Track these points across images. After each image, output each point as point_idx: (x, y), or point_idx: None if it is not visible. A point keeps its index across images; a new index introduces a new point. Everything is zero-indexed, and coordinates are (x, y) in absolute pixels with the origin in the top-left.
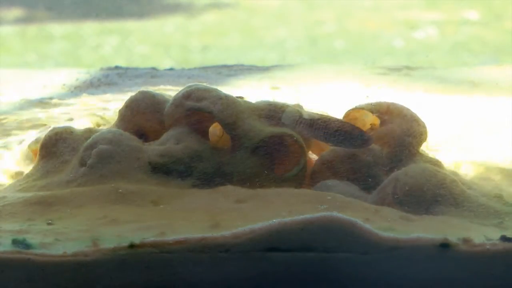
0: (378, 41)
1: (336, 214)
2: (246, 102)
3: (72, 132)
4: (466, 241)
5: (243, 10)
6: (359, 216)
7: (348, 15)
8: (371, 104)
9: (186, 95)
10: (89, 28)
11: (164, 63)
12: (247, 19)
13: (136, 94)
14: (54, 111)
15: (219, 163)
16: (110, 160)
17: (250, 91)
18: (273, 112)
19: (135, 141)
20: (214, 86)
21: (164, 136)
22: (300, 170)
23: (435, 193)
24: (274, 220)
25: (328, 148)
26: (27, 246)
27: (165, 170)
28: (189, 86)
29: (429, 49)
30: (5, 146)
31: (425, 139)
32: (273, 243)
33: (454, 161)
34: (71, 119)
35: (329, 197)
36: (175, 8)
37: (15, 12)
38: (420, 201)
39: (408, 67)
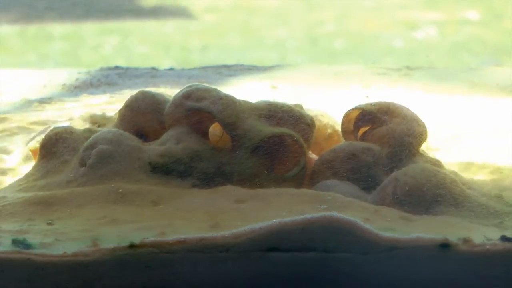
0: (378, 41)
1: (336, 214)
2: (246, 102)
3: (72, 132)
4: (466, 241)
5: (243, 10)
6: (359, 216)
7: (348, 15)
8: (371, 104)
9: (186, 95)
10: (89, 28)
11: (164, 63)
12: (247, 19)
13: (136, 94)
14: (54, 111)
15: (219, 163)
16: (110, 160)
17: (250, 91)
18: (273, 112)
19: (135, 141)
20: (214, 86)
21: (164, 136)
22: (300, 170)
23: (435, 193)
24: (274, 220)
25: (328, 148)
26: (27, 246)
27: (165, 170)
28: (189, 86)
29: (429, 49)
30: (5, 146)
31: (425, 139)
32: (273, 243)
33: (454, 161)
34: (71, 119)
35: (329, 197)
36: (175, 8)
37: (15, 12)
38: (420, 201)
39: (408, 67)
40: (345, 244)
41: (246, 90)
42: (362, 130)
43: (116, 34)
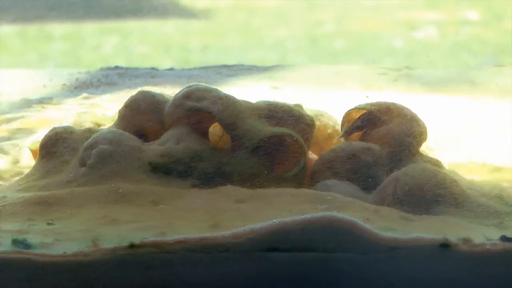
0: (378, 41)
1: (336, 214)
2: (246, 102)
3: (72, 132)
4: (466, 241)
5: (243, 10)
6: (359, 216)
7: (348, 15)
8: (371, 104)
9: (186, 95)
10: (89, 28)
11: (164, 63)
12: (247, 19)
13: (136, 94)
14: (54, 111)
15: (219, 163)
16: (110, 160)
17: (250, 91)
18: (273, 112)
19: (135, 141)
20: (214, 86)
21: (164, 136)
22: (300, 170)
23: (435, 193)
24: (274, 220)
25: (328, 148)
26: (27, 246)
27: (165, 170)
28: (189, 86)
29: (429, 49)
30: (4, 146)
31: (425, 139)
32: (273, 243)
33: (454, 161)
34: (71, 119)
35: (329, 197)
36: (175, 8)
37: (15, 12)
38: (420, 201)
39: (408, 67)
40: (345, 244)
41: (246, 90)
42: (358, 134)
43: (116, 34)
